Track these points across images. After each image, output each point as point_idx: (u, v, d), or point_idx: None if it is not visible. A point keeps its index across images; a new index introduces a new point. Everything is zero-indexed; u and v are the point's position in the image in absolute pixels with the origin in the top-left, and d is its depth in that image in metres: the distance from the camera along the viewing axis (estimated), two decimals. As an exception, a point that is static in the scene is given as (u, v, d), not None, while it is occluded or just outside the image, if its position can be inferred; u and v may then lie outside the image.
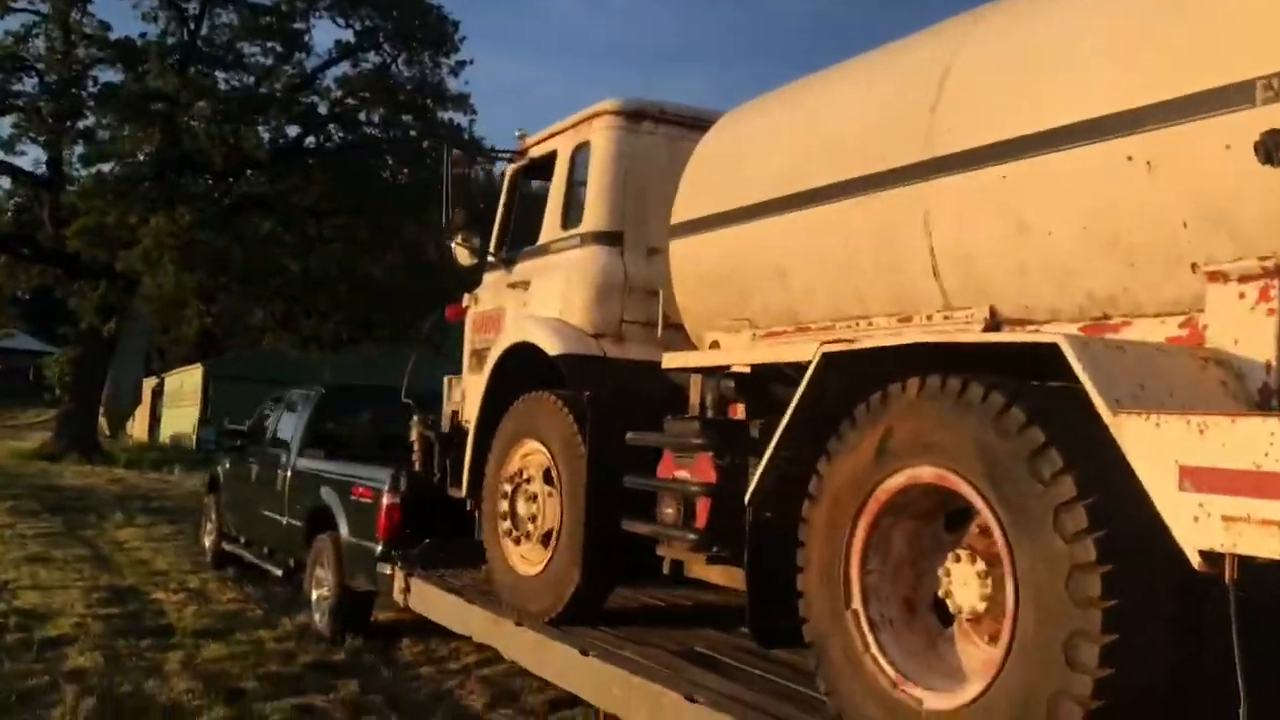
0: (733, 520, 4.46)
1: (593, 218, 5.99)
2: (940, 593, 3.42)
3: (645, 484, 4.81)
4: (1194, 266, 3.25)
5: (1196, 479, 2.55)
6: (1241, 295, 3.14)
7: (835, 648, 3.59)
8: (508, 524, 5.98)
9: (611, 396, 5.40)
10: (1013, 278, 3.84)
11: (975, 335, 3.59)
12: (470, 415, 6.87)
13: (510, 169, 6.98)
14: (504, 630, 5.86)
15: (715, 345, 5.38)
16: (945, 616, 3.56)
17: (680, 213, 5.54)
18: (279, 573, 11.22)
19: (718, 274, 5.26)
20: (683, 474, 4.66)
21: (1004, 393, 3.12)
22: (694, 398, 5.04)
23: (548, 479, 5.72)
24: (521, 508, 5.90)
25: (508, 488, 6.00)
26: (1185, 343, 3.31)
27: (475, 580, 6.96)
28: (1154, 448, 2.66)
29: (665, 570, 4.92)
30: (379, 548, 8.80)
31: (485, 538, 6.24)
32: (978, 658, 3.38)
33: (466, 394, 7.10)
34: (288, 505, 10.80)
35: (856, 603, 3.57)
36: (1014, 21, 4.05)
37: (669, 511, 4.63)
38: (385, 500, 8.78)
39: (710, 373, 5.03)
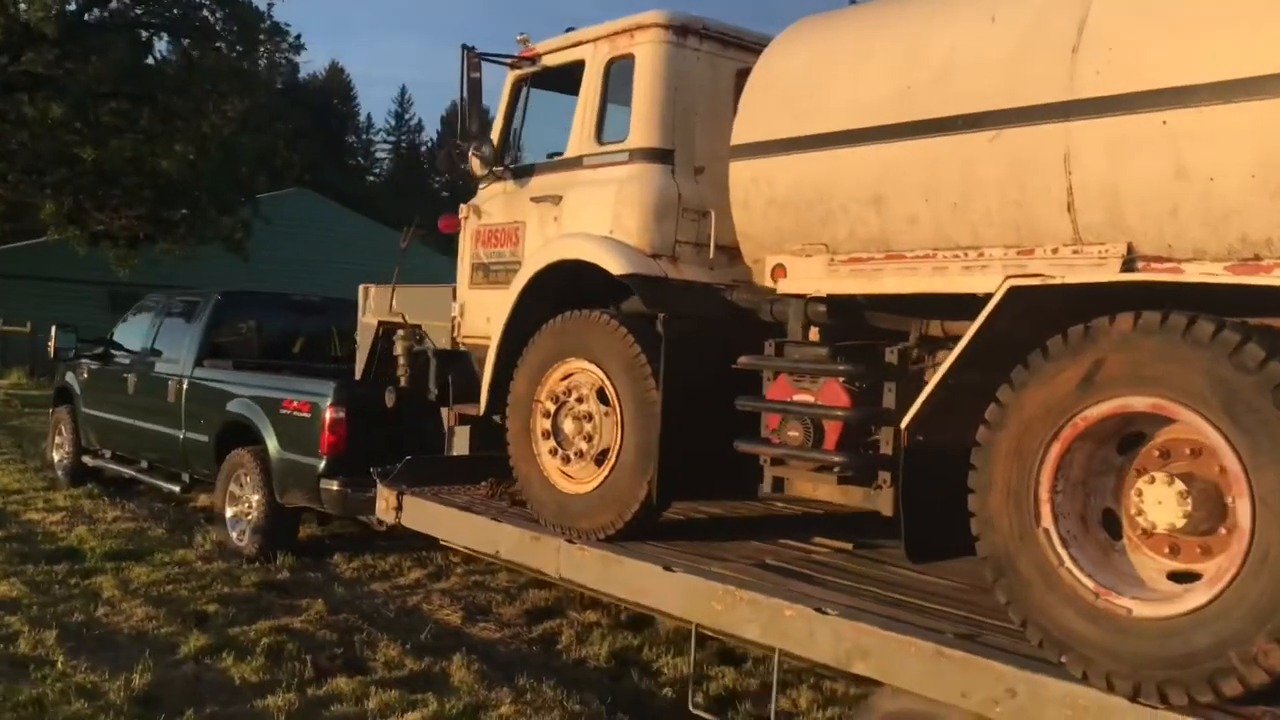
0: (861, 441, 4.65)
1: (642, 134, 5.89)
2: (1132, 511, 3.72)
3: (770, 406, 4.90)
4: (1366, 217, 3.62)
5: None
6: None
7: (1026, 564, 3.85)
8: (551, 442, 5.92)
9: (686, 319, 5.42)
10: (1161, 218, 4.11)
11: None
12: (479, 331, 6.71)
13: (512, 75, 6.72)
14: (547, 547, 5.85)
15: (780, 269, 5.46)
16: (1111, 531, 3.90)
17: (745, 133, 5.54)
18: (174, 489, 10.65)
19: (794, 198, 5.32)
20: (804, 397, 4.78)
21: (1235, 330, 3.40)
22: (793, 323, 5.13)
23: (601, 398, 5.70)
24: (569, 426, 5.86)
25: (550, 406, 5.93)
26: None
27: (478, 497, 6.87)
28: None
29: (767, 487, 5.03)
30: (321, 463, 8.52)
31: (515, 456, 6.15)
32: (1160, 569, 3.73)
33: (467, 309, 6.89)
34: (185, 419, 10.23)
35: (1047, 521, 3.84)
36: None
37: (794, 434, 4.74)
38: (328, 414, 8.51)
39: (800, 298, 5.13)
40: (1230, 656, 3.36)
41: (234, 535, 9.29)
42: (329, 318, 11.07)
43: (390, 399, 7.21)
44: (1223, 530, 3.50)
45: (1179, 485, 3.61)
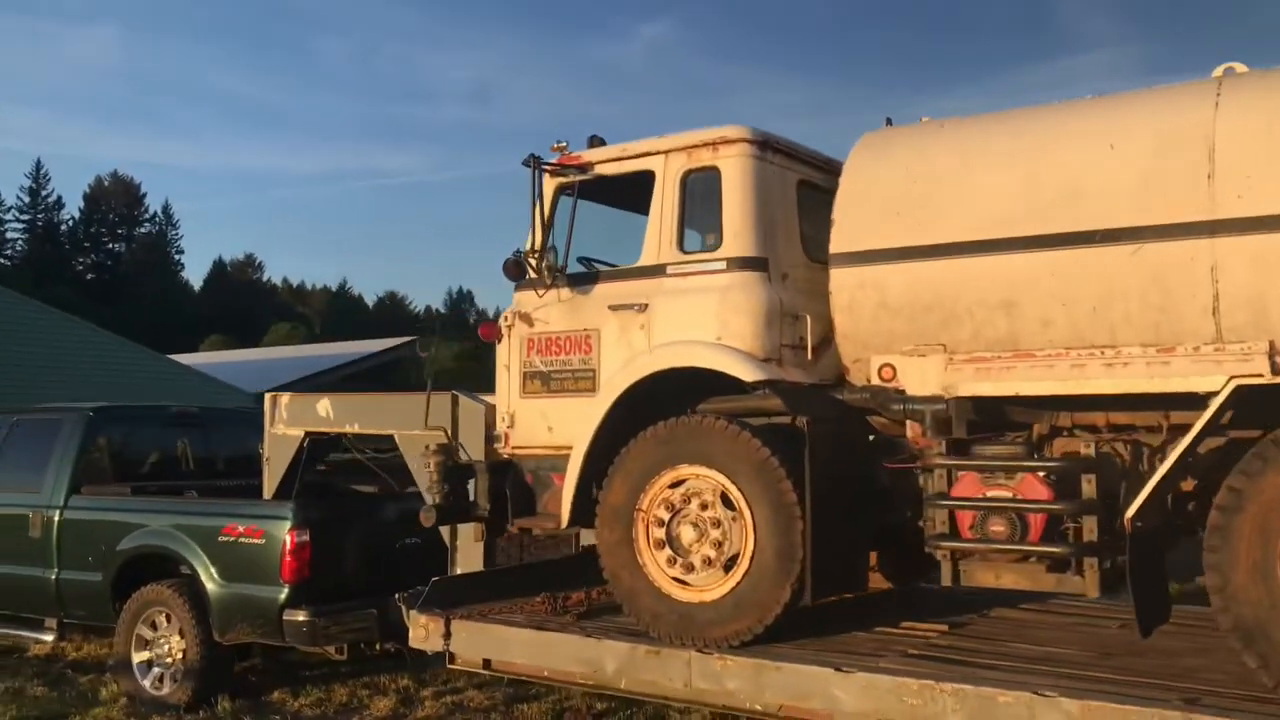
0: (1062, 530, 5.03)
1: (738, 244, 6.04)
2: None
3: (982, 504, 5.15)
4: None
5: None
6: None
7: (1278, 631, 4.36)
8: (667, 552, 5.86)
9: (823, 420, 5.60)
10: (1303, 319, 4.85)
11: None
12: (536, 441, 6.52)
13: (554, 183, 6.65)
14: (674, 661, 5.73)
15: (888, 368, 5.80)
16: None
17: (848, 242, 5.86)
18: (44, 639, 9.32)
19: (911, 302, 5.69)
20: (999, 492, 5.10)
21: None
22: (924, 424, 5.46)
23: (726, 504, 5.74)
24: (688, 534, 5.83)
25: (664, 514, 5.87)
26: None
27: (539, 613, 6.60)
28: None
29: (948, 579, 5.26)
30: (283, 593, 7.85)
31: (613, 567, 6.01)
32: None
33: (519, 419, 6.65)
34: (60, 557, 9.02)
35: (1292, 590, 4.38)
36: (1273, 96, 5.02)
37: (998, 529, 5.04)
38: (290, 539, 7.86)
39: (938, 399, 5.48)
40: None
41: (147, 684, 8.24)
42: (209, 430, 10.14)
43: (429, 519, 6.77)
44: None
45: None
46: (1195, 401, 4.96)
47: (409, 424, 7.99)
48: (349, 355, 39.41)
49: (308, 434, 8.83)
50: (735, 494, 5.71)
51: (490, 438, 6.94)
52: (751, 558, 5.66)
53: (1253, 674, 4.72)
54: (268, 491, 9.05)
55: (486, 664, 6.75)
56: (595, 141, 6.79)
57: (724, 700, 5.76)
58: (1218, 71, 5.54)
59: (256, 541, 7.95)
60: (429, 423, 7.03)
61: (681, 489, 5.89)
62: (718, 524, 5.75)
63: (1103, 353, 5.28)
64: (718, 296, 6.00)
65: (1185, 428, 5.13)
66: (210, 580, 8.07)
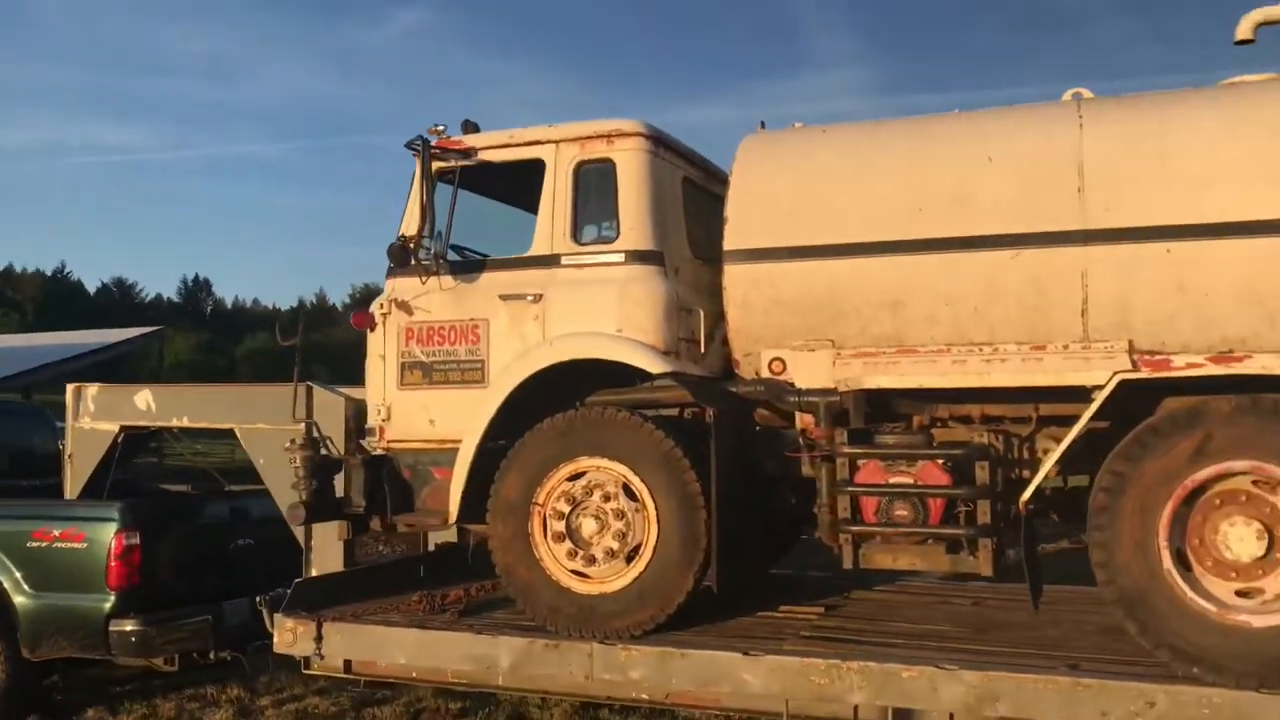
0: (956, 513, 5.39)
1: (636, 237, 6.09)
2: (1222, 546, 4.89)
3: (895, 490, 5.39)
4: (1315, 322, 5.19)
5: None
6: (1346, 342, 5.15)
7: (1159, 599, 4.86)
8: (567, 544, 5.83)
9: (728, 412, 5.75)
10: (1160, 321, 5.41)
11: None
12: (416, 434, 6.33)
13: (436, 166, 6.45)
14: (574, 654, 5.71)
15: (778, 362, 6.03)
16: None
17: (741, 239, 6.03)
18: None
19: (803, 299, 5.93)
20: (900, 479, 5.40)
21: None
22: (818, 415, 5.72)
23: (629, 495, 5.78)
24: (588, 526, 5.82)
25: (563, 507, 5.84)
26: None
27: (416, 613, 6.39)
28: None
29: (849, 563, 5.49)
30: (109, 601, 7.28)
31: (507, 563, 5.91)
32: (1229, 589, 4.95)
33: (396, 411, 6.41)
34: None
35: (1168, 564, 4.89)
36: (1130, 121, 5.58)
37: (902, 513, 5.33)
38: (117, 542, 7.32)
39: (832, 391, 5.75)
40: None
41: (-67, 709, 7.40)
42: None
43: (298, 517, 6.38)
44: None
45: (1257, 525, 4.86)
46: (1064, 395, 5.47)
47: (253, 417, 7.56)
48: (76, 347, 36.35)
49: (124, 429, 8.17)
50: (638, 485, 5.76)
51: (356, 432, 6.65)
52: (655, 548, 5.72)
53: (1109, 641, 5.32)
54: (71, 492, 8.35)
55: (348, 667, 6.50)
56: (469, 127, 6.66)
57: (628, 690, 5.81)
58: (1067, 96, 6.10)
59: (76, 546, 7.29)
60: (296, 416, 6.65)
61: (582, 481, 5.87)
62: (621, 515, 5.78)
63: (981, 349, 5.70)
64: (617, 289, 6.03)
65: (1053, 419, 5.67)
66: (18, 592, 7.34)
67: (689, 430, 5.89)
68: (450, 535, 8.00)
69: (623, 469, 5.79)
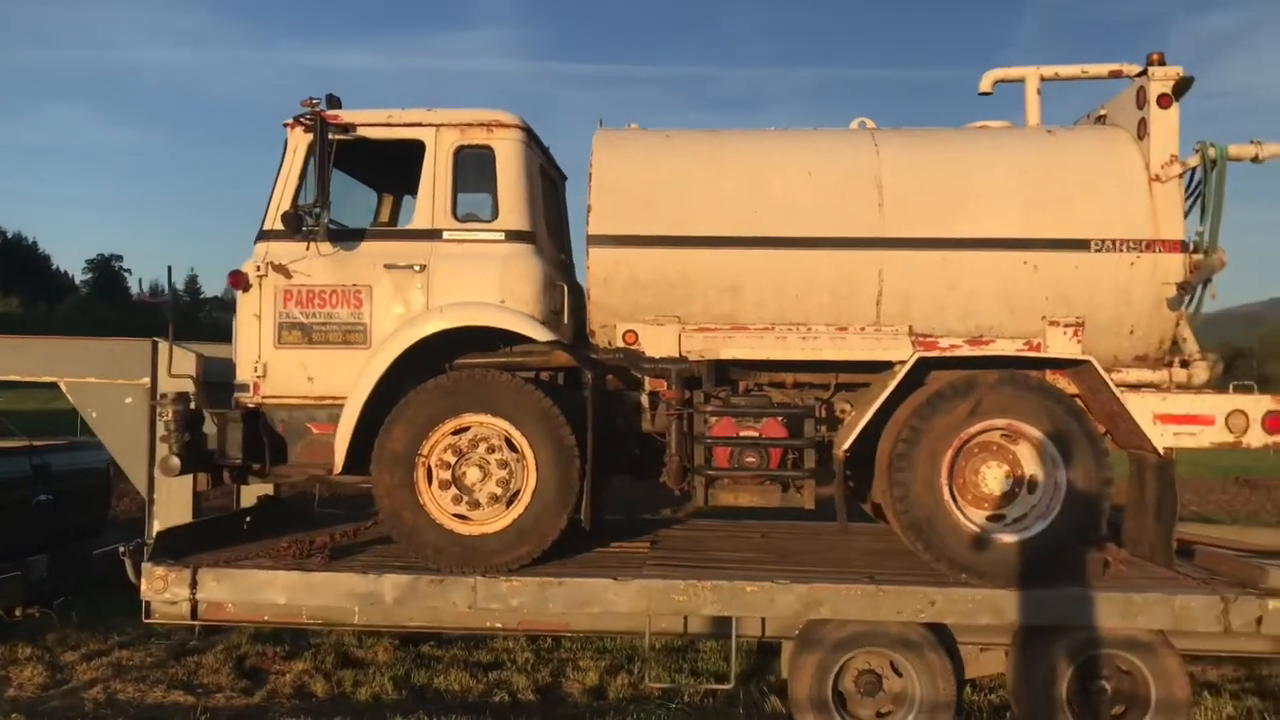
0: (791, 460, 6.67)
1: (514, 218, 6.82)
2: (980, 483, 6.51)
3: (745, 441, 6.50)
4: (1044, 318, 6.93)
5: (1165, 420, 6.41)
6: (1064, 333, 6.93)
7: (940, 524, 6.39)
8: (453, 491, 6.51)
9: (601, 376, 6.67)
10: (933, 311, 6.96)
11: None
12: (293, 391, 6.72)
13: (307, 138, 6.79)
14: (458, 587, 6.42)
15: (631, 334, 7.05)
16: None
17: (604, 226, 6.96)
18: None
19: (657, 280, 6.96)
20: (749, 433, 6.57)
21: (1044, 381, 6.44)
22: (670, 380, 6.81)
23: (510, 447, 6.56)
24: (472, 475, 6.53)
25: (449, 458, 6.51)
26: (1028, 353, 6.95)
27: (289, 556, 6.78)
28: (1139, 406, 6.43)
29: (701, 501, 6.58)
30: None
31: (391, 509, 6.49)
32: (984, 515, 6.60)
33: (273, 368, 6.72)
34: None
35: (946, 496, 6.44)
36: (917, 152, 7.08)
37: (751, 460, 6.51)
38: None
39: (681, 360, 6.85)
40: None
41: None
42: None
43: (172, 469, 6.48)
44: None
45: (1005, 467, 6.52)
46: (860, 367, 6.92)
47: (83, 371, 7.50)
48: None
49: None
50: (519, 438, 6.56)
51: (231, 386, 6.88)
52: (534, 493, 6.56)
53: (875, 560, 6.92)
54: None
55: (194, 612, 6.81)
56: (334, 102, 7.05)
57: (509, 619, 6.61)
58: (854, 124, 7.54)
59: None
60: (172, 371, 6.76)
61: (468, 435, 6.58)
62: (505, 465, 6.56)
63: (798, 328, 7.02)
64: (499, 264, 6.75)
65: (848, 385, 7.13)
66: None
67: (560, 390, 6.76)
68: (267, 489, 8.34)
69: (505, 424, 6.57)
